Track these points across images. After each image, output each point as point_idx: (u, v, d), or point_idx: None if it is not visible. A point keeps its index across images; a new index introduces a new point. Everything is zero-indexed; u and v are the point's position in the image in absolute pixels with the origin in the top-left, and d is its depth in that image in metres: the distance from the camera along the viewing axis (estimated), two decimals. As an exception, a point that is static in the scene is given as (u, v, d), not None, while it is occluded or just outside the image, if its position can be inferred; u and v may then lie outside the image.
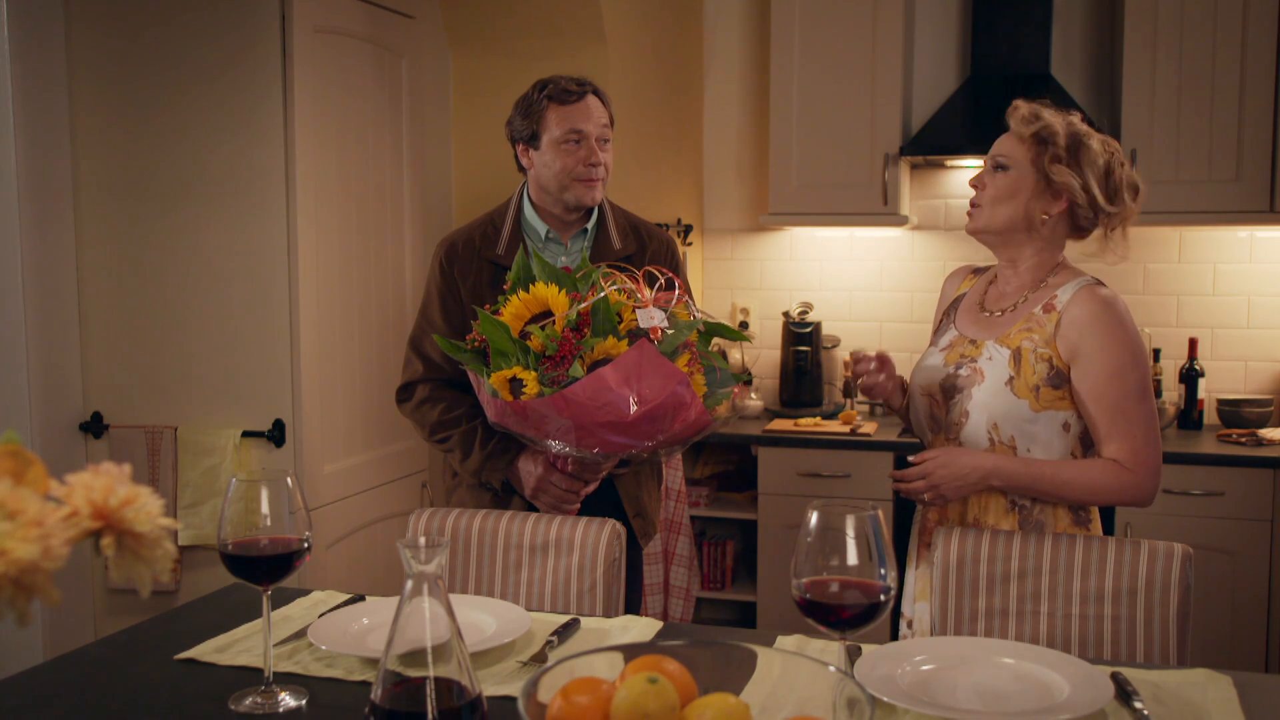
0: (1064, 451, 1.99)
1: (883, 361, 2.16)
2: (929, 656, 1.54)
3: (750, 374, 4.29)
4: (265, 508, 1.46)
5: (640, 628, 1.78)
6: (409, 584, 1.10)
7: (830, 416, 4.05)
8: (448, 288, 2.39)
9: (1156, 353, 3.93)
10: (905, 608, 2.12)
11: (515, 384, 1.96)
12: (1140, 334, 1.98)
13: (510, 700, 1.46)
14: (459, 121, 3.77)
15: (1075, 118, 2.03)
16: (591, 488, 2.28)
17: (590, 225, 2.43)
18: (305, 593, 1.96)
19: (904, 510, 2.12)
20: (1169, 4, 3.61)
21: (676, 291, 2.06)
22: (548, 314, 1.98)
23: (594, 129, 2.34)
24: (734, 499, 4.11)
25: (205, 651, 1.65)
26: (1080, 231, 2.05)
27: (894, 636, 2.34)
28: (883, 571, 1.27)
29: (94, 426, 3.08)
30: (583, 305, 1.95)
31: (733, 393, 2.06)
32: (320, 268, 3.06)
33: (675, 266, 2.46)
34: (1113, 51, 3.89)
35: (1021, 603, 1.90)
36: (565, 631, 1.72)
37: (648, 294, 1.99)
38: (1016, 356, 1.98)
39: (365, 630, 1.70)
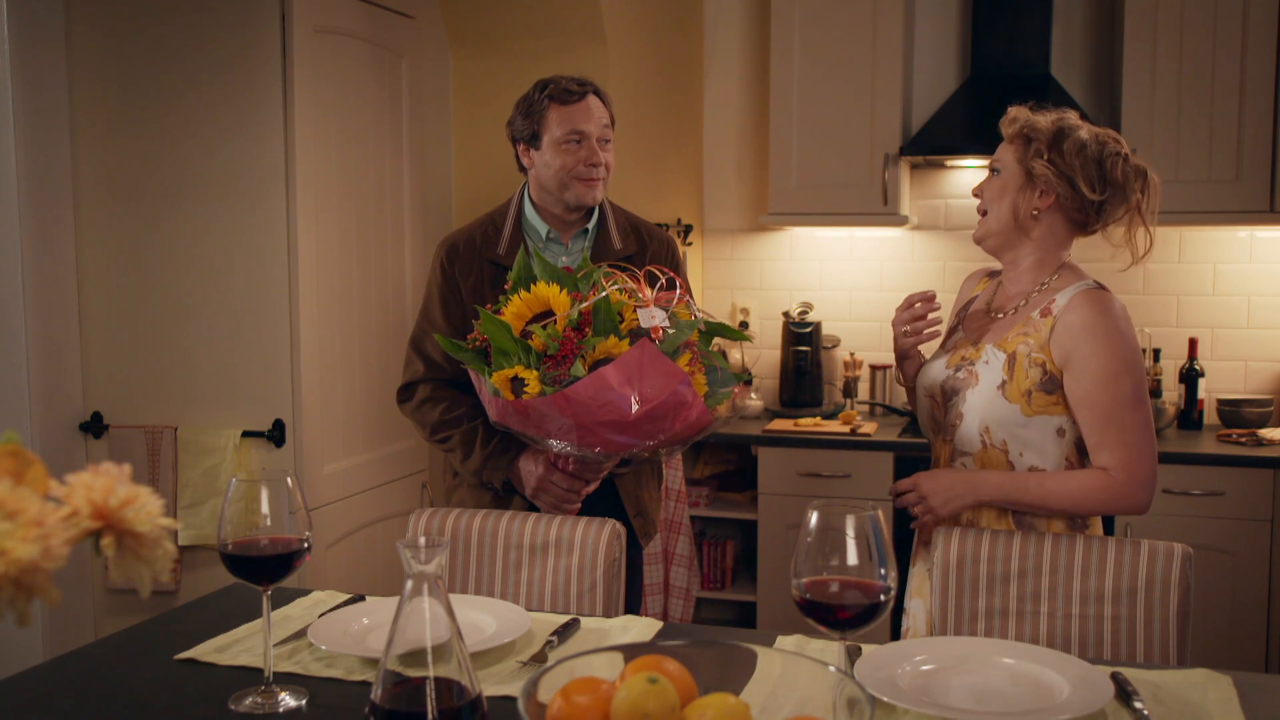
0: (1058, 457, 1.97)
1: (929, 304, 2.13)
2: (929, 656, 1.54)
3: (750, 374, 4.29)
4: (265, 508, 1.46)
5: (640, 628, 1.78)
6: (409, 584, 1.10)
7: (830, 416, 4.05)
8: (448, 288, 2.39)
9: (1157, 353, 3.93)
10: (906, 603, 2.13)
11: (517, 383, 1.96)
12: (1137, 340, 1.96)
13: (510, 700, 1.46)
14: (459, 121, 3.77)
15: (1071, 114, 2.02)
16: (592, 487, 2.28)
17: (591, 225, 2.43)
18: (305, 593, 1.96)
19: (904, 510, 2.13)
20: (1169, 4, 3.61)
21: (678, 291, 2.06)
22: (549, 313, 1.98)
23: (595, 129, 2.34)
24: (734, 499, 4.11)
25: (205, 651, 1.65)
26: (1081, 228, 2.03)
27: (896, 633, 2.35)
28: (883, 571, 1.27)
29: (94, 426, 3.08)
30: (584, 305, 1.95)
31: (733, 392, 2.06)
32: (320, 268, 3.06)
33: (676, 266, 2.46)
34: (1113, 51, 3.89)
35: (1021, 603, 1.90)
36: (565, 631, 1.72)
37: (649, 293, 1.99)
38: (1011, 361, 1.97)
39: (365, 630, 1.70)
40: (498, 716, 1.34)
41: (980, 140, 3.73)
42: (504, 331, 1.98)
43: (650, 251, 2.45)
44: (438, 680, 1.09)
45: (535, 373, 1.93)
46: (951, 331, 2.19)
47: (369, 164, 3.31)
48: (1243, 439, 3.60)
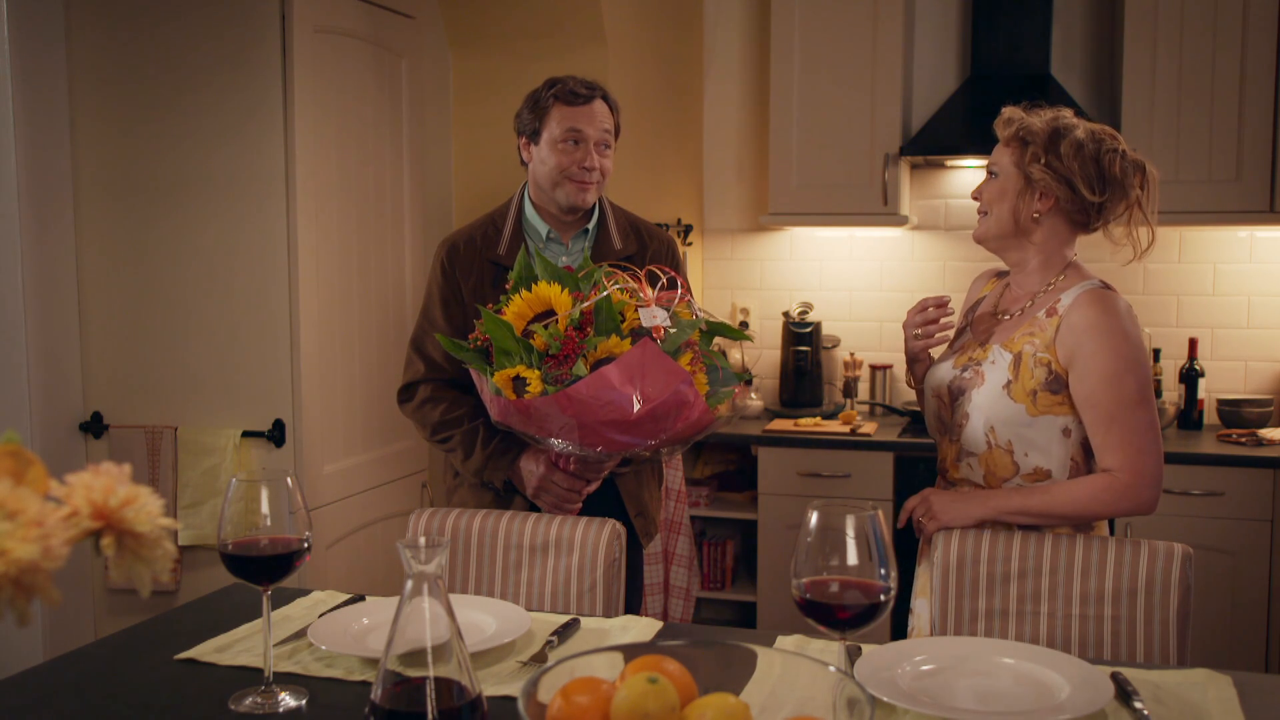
0: (1063, 457, 1.98)
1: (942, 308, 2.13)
2: (929, 656, 1.54)
3: (751, 374, 4.29)
4: (265, 508, 1.46)
5: (640, 628, 1.78)
6: (409, 584, 1.10)
7: (830, 416, 4.05)
8: (449, 288, 2.39)
9: (1156, 353, 3.93)
10: (912, 603, 2.13)
11: (519, 383, 1.96)
12: (1144, 339, 1.96)
13: (510, 700, 1.46)
14: (459, 121, 3.77)
15: (1066, 112, 2.02)
16: (593, 487, 2.29)
17: (591, 225, 2.44)
18: (305, 593, 1.96)
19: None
20: (1169, 4, 3.61)
21: (679, 291, 2.06)
22: (550, 313, 1.98)
23: (595, 133, 2.34)
24: (734, 499, 4.11)
25: (205, 651, 1.65)
26: (1082, 227, 2.03)
27: (900, 633, 2.35)
28: (883, 571, 1.27)
29: (94, 426, 3.08)
30: (586, 304, 1.95)
31: (734, 392, 2.06)
32: (320, 268, 3.06)
33: (676, 266, 2.46)
34: (1113, 51, 3.89)
35: (1021, 603, 1.90)
36: (565, 631, 1.72)
37: (650, 293, 1.99)
38: (1017, 361, 1.97)
39: (365, 630, 1.70)
40: (498, 716, 1.34)
41: (980, 140, 3.72)
42: (506, 331, 1.98)
43: (650, 251, 2.45)
44: (438, 680, 1.09)
45: (537, 372, 1.93)
46: (960, 332, 2.20)
47: (369, 164, 3.31)
48: (1243, 439, 3.60)
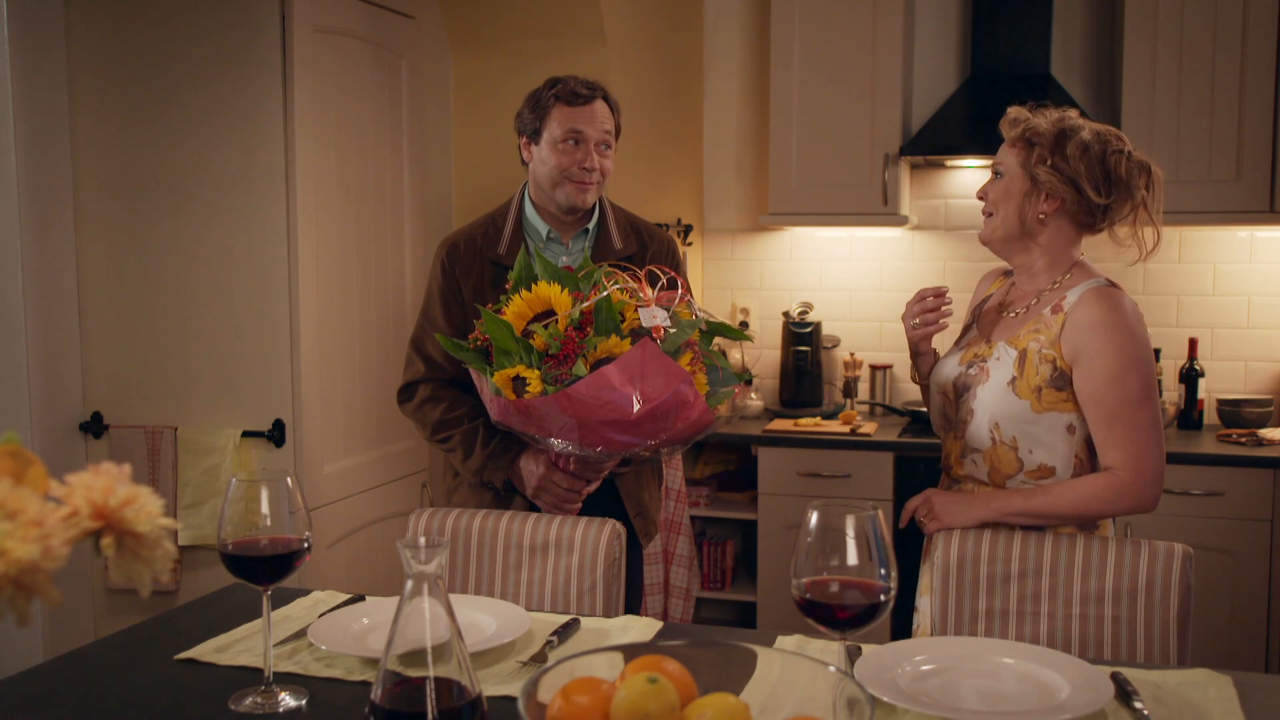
0: (1067, 454, 1.98)
1: (940, 298, 2.14)
2: (929, 656, 1.54)
3: (751, 374, 4.30)
4: (265, 508, 1.46)
5: (640, 628, 1.78)
6: (409, 584, 1.10)
7: (830, 416, 4.05)
8: (449, 288, 2.39)
9: (1157, 353, 3.92)
10: (916, 600, 2.13)
11: (519, 383, 1.96)
12: (1148, 338, 1.96)
13: (510, 700, 1.46)
14: (459, 121, 3.77)
15: (1072, 113, 2.02)
16: (593, 487, 2.29)
17: (591, 225, 2.44)
18: (305, 593, 1.96)
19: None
20: (1169, 4, 3.61)
21: (679, 290, 2.06)
22: (550, 313, 1.98)
23: (595, 134, 2.34)
24: (734, 499, 4.11)
25: (205, 651, 1.65)
26: (1087, 228, 2.03)
27: (904, 631, 2.35)
28: (883, 571, 1.27)
29: (94, 426, 3.08)
30: (585, 304, 1.95)
31: (734, 392, 2.06)
32: (320, 268, 3.06)
33: (676, 266, 2.46)
34: (1113, 51, 3.89)
35: (1022, 603, 1.90)
36: (565, 631, 1.72)
37: (650, 293, 1.99)
38: (1022, 358, 1.98)
39: (365, 630, 1.70)
40: (498, 716, 1.34)
41: (980, 140, 3.73)
42: (506, 331, 1.98)
43: (650, 251, 2.45)
44: (438, 680, 1.09)
45: (537, 372, 1.93)
46: (966, 329, 2.20)
47: (369, 164, 3.31)
48: (1243, 439, 3.60)
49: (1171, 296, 3.98)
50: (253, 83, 2.94)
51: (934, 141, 3.83)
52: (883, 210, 3.90)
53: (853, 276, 4.28)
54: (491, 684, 1.52)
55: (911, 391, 4.23)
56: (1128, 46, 3.67)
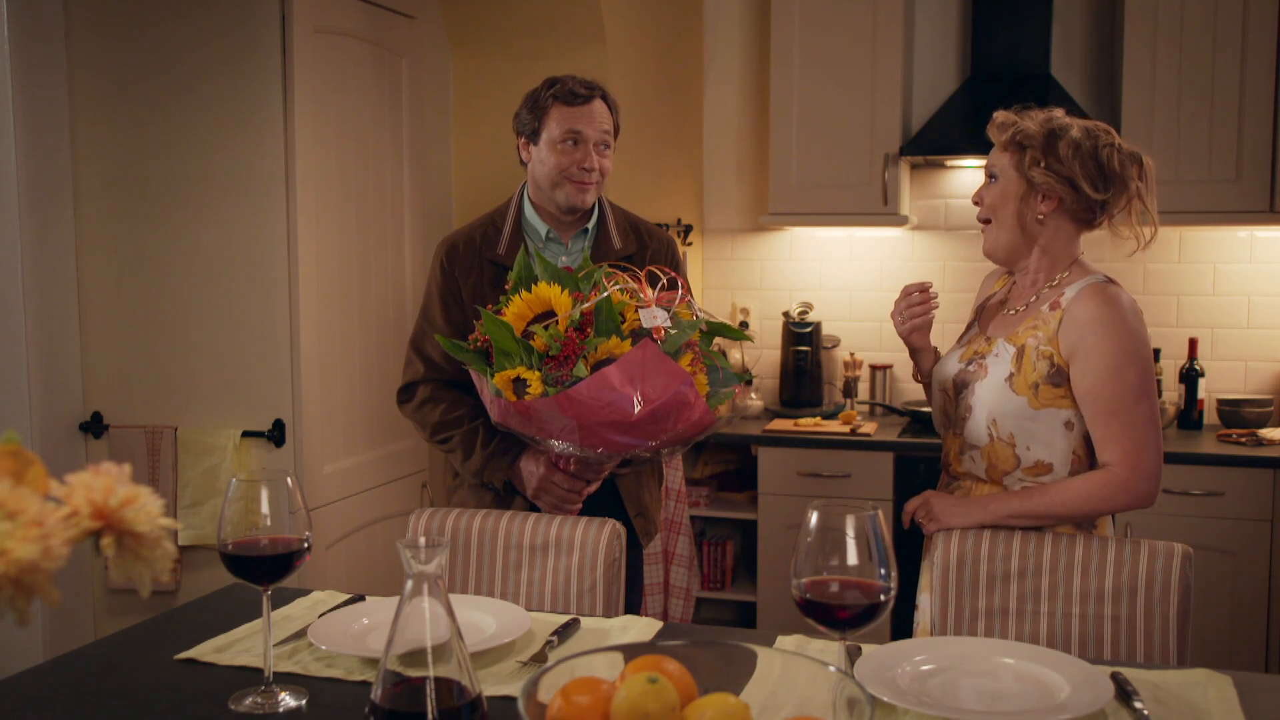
0: (1065, 450, 1.98)
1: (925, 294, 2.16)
2: (929, 656, 1.54)
3: (751, 374, 4.30)
4: (265, 508, 1.46)
5: (640, 628, 1.78)
6: (409, 584, 1.10)
7: (830, 416, 4.05)
8: (449, 288, 2.39)
9: (1156, 352, 3.92)
10: (917, 598, 2.13)
11: (519, 384, 1.96)
12: (1147, 334, 1.96)
13: (510, 700, 1.46)
14: (459, 121, 3.77)
15: (1058, 112, 2.02)
16: (594, 487, 2.29)
17: (591, 225, 2.44)
18: (305, 593, 1.96)
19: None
20: (1169, 4, 3.61)
21: (679, 291, 2.06)
22: (550, 314, 1.98)
23: (594, 134, 2.34)
24: (734, 499, 4.11)
25: (205, 651, 1.65)
26: (1086, 224, 2.03)
27: (904, 630, 2.35)
28: (883, 571, 1.27)
29: (94, 426, 3.08)
30: (586, 305, 1.95)
31: (734, 392, 2.06)
32: (320, 268, 3.06)
33: (676, 266, 2.46)
34: (1113, 51, 3.89)
35: (1021, 602, 1.90)
36: (565, 631, 1.72)
37: (650, 294, 1.99)
38: (1020, 354, 1.98)
39: (365, 630, 1.70)
40: (498, 716, 1.34)
41: (980, 140, 3.68)
42: (506, 332, 1.98)
43: (650, 251, 2.45)
44: (438, 680, 1.09)
45: (537, 373, 1.93)
46: (968, 327, 2.21)
47: (369, 164, 3.31)
48: (1243, 439, 3.60)
49: (1171, 296, 3.98)
50: (253, 83, 2.94)
51: (934, 141, 3.83)
52: (883, 210, 3.90)
53: (853, 276, 4.28)
54: (491, 684, 1.52)
55: (911, 392, 4.24)
56: (1128, 46, 3.67)
